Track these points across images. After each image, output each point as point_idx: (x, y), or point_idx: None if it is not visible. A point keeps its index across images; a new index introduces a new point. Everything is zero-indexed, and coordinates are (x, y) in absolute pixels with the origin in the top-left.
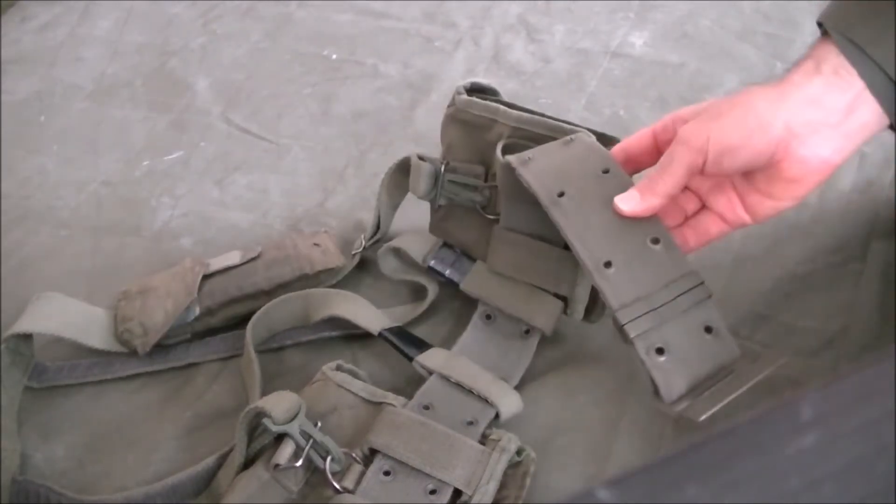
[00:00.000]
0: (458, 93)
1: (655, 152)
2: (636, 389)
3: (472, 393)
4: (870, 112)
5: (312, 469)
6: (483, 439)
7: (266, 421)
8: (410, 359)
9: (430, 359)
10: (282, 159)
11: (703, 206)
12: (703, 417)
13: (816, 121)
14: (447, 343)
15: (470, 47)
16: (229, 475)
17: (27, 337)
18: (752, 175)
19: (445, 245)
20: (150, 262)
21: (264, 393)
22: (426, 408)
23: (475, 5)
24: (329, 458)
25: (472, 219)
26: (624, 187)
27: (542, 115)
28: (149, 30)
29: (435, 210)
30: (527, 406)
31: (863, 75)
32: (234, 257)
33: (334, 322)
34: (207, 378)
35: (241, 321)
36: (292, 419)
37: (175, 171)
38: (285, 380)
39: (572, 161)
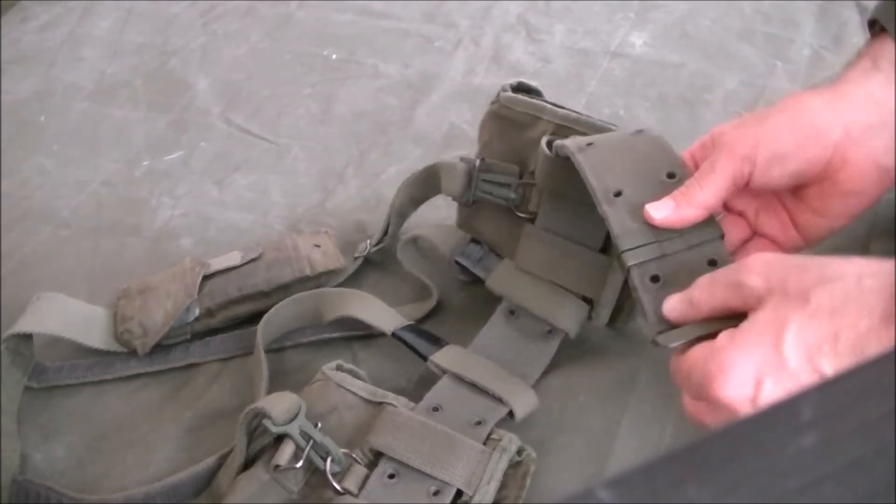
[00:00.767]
0: (504, 90)
1: None
2: (636, 389)
3: (486, 392)
4: None
5: (313, 469)
6: (485, 439)
7: (266, 422)
8: (425, 358)
9: (445, 358)
10: (282, 159)
11: (754, 234)
12: (674, 345)
13: (877, 123)
14: (451, 338)
15: (470, 47)
16: (229, 475)
17: (27, 337)
18: (804, 190)
19: (473, 241)
20: (150, 262)
21: (266, 393)
22: (435, 409)
23: (475, 5)
24: (329, 459)
25: (502, 217)
26: None
27: (589, 116)
28: (149, 30)
29: (464, 206)
30: None
31: None
32: (234, 258)
33: (340, 322)
34: (207, 378)
35: (241, 322)
36: (292, 420)
37: (175, 171)
38: (285, 380)
39: (637, 157)
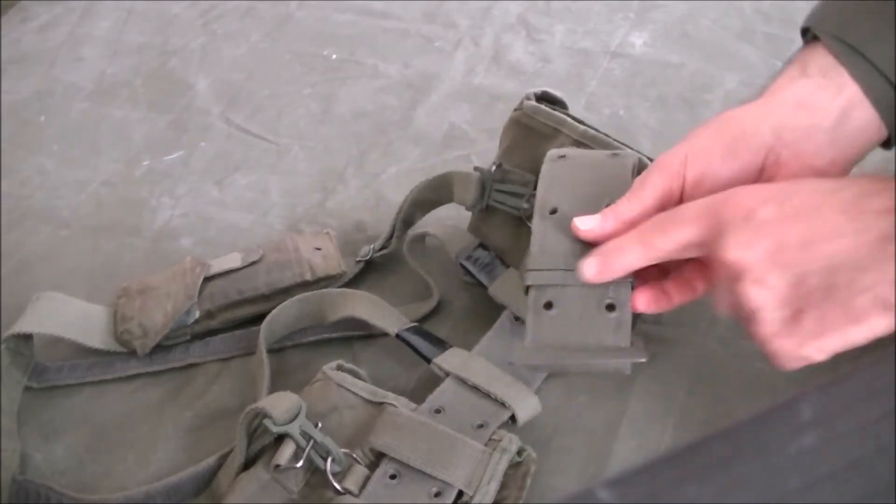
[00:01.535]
0: (528, 98)
1: None
2: (636, 389)
3: (488, 396)
4: (865, 118)
5: (313, 469)
6: (486, 441)
7: (266, 422)
8: (428, 360)
9: (448, 361)
10: (282, 159)
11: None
12: (523, 363)
13: (807, 126)
14: (450, 339)
15: (470, 47)
16: (229, 475)
17: (27, 337)
18: None
19: (482, 246)
20: (150, 262)
21: (268, 393)
22: (437, 412)
23: (475, 5)
24: (330, 459)
25: (512, 226)
26: None
27: (607, 135)
28: (149, 30)
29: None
30: None
31: (857, 77)
32: (235, 259)
33: (340, 322)
34: (207, 378)
35: (241, 324)
36: (293, 420)
37: (175, 171)
38: (286, 379)
39: (594, 179)
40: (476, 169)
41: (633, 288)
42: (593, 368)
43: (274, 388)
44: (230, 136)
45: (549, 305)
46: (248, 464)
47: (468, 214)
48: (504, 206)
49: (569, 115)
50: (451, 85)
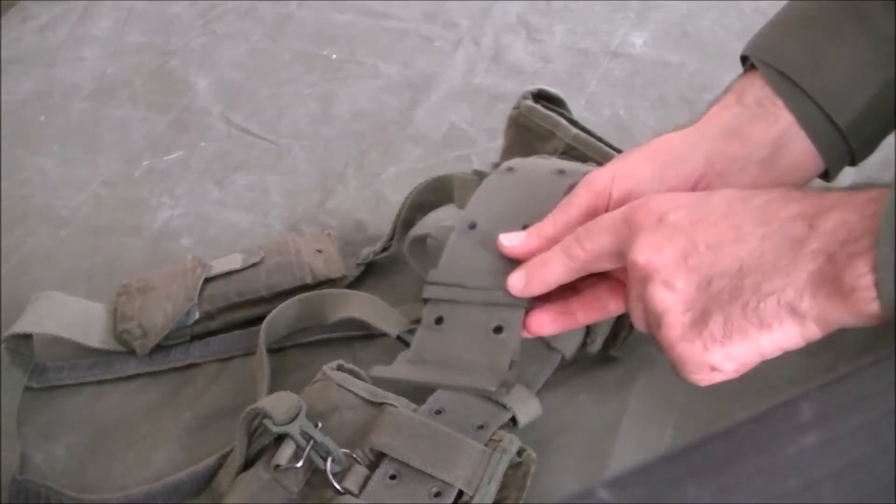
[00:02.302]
0: (524, 97)
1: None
2: (636, 389)
3: (489, 398)
4: (801, 150)
5: (313, 470)
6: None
7: (266, 422)
8: None
9: None
10: (282, 159)
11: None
12: (374, 374)
13: (740, 156)
14: None
15: (470, 47)
16: (229, 475)
17: (27, 337)
18: None
19: None
20: (150, 262)
21: (268, 393)
22: (437, 412)
23: (475, 5)
24: (330, 459)
25: None
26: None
27: (600, 139)
28: (149, 30)
29: None
30: None
31: (793, 108)
32: (235, 260)
33: (340, 322)
34: (207, 378)
35: (241, 325)
36: (293, 420)
37: (175, 171)
38: (285, 379)
39: (527, 197)
40: (475, 172)
41: (527, 311)
42: (458, 388)
43: (274, 388)
44: (230, 136)
45: (440, 321)
46: (248, 464)
47: None
48: None
49: (564, 116)
50: (451, 85)
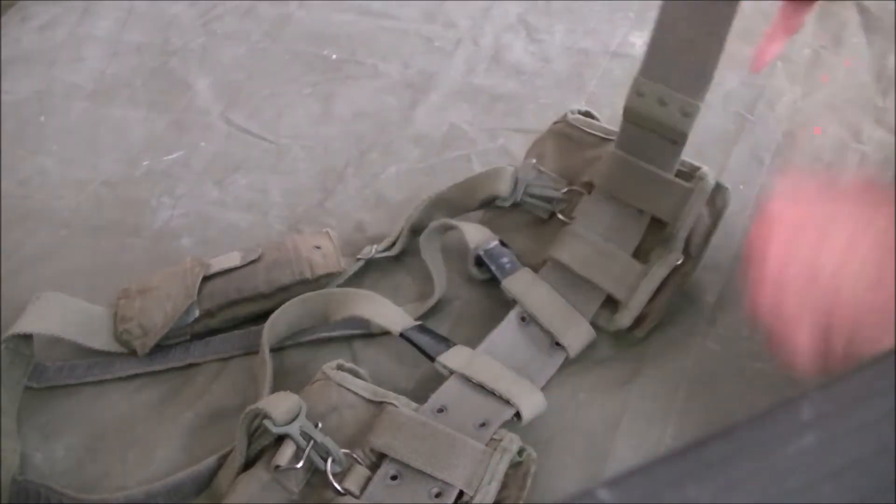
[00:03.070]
0: (572, 112)
1: None
2: (636, 389)
3: (493, 393)
4: None
5: (313, 470)
6: (487, 440)
7: (266, 422)
8: (432, 358)
9: (453, 359)
10: (282, 159)
11: None
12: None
13: None
14: (452, 336)
15: (470, 47)
16: (230, 476)
17: (27, 337)
18: None
19: (502, 243)
20: (150, 262)
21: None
22: (440, 410)
23: (475, 5)
24: (330, 459)
25: (528, 226)
26: None
27: None
28: (149, 30)
29: (491, 210)
30: None
31: None
32: (234, 259)
33: (343, 321)
34: (207, 378)
35: (241, 322)
36: (293, 420)
37: (175, 171)
38: (286, 379)
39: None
40: (510, 166)
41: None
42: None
43: (274, 388)
44: (230, 136)
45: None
46: (248, 464)
47: (475, 216)
48: (533, 202)
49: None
50: (451, 85)
